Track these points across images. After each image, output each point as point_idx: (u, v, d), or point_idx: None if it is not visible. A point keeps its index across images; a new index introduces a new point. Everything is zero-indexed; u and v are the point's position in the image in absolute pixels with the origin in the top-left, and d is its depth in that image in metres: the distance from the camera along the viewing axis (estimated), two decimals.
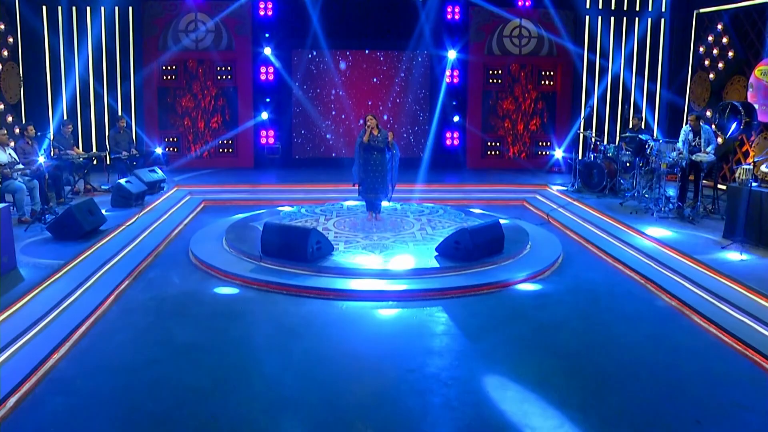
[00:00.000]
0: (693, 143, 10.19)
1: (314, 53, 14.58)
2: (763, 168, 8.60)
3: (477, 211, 11.01)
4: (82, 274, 7.29)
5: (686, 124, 10.80)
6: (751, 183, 8.43)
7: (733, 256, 7.96)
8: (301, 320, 6.58)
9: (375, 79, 14.93)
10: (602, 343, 6.12)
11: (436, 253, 8.14)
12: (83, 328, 6.14)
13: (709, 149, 10.11)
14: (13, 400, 4.78)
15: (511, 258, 8.35)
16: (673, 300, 7.12)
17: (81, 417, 4.64)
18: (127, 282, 7.51)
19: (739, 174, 8.84)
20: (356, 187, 9.90)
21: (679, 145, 10.32)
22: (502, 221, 8.98)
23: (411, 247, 8.51)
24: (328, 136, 14.97)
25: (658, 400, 4.98)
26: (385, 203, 10.06)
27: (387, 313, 6.88)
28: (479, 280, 7.56)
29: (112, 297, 6.99)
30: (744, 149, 12.11)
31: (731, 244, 8.44)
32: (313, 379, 5.27)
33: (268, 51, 14.11)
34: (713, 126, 10.93)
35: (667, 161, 10.16)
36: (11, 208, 8.82)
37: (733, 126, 10.53)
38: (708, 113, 12.32)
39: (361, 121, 9.84)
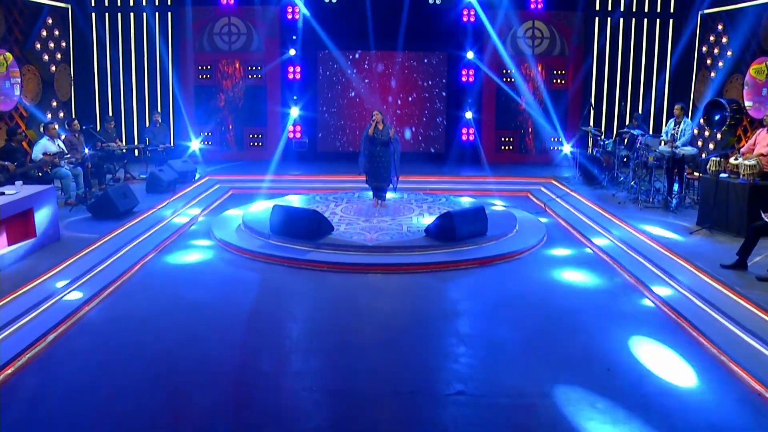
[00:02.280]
0: (672, 131, 10.84)
1: (338, 54, 15.64)
2: (732, 160, 9.24)
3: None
4: (114, 246, 8.51)
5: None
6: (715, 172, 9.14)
7: (695, 240, 8.68)
8: (295, 286, 7.65)
9: (395, 79, 15.88)
10: (553, 309, 6.95)
11: (425, 234, 9.09)
12: (111, 288, 7.32)
13: (683, 139, 10.74)
14: (51, 337, 5.96)
15: (495, 240, 9.22)
16: (631, 278, 7.90)
17: (101, 351, 5.79)
18: (152, 254, 8.69)
19: (710, 166, 9.49)
20: (364, 178, 10.96)
21: (663, 136, 11.00)
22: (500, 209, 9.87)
23: (404, 229, 9.48)
24: (350, 131, 15.99)
25: (581, 354, 5.83)
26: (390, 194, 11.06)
27: (373, 282, 7.86)
28: (458, 257, 8.49)
29: (138, 266, 8.17)
30: (741, 144, 12.61)
31: (699, 230, 9.16)
32: (293, 329, 6.30)
33: (292, 52, 15.22)
34: (702, 120, 11.55)
35: (653, 154, 10.85)
36: (59, 192, 10.18)
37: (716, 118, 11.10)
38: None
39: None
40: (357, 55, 15.72)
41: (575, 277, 8.11)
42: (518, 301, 7.26)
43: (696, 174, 11.46)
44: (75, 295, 6.87)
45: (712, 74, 13.58)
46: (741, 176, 8.90)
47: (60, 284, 7.01)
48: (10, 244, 7.56)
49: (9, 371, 5.26)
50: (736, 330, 6.07)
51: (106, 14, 14.81)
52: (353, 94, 15.94)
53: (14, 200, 7.69)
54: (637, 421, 4.66)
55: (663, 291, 7.22)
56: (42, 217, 8.12)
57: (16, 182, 8.45)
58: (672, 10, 15.00)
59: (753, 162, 8.86)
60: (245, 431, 4.54)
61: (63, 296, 6.80)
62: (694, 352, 5.86)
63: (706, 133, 13.35)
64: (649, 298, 7.23)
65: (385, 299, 7.29)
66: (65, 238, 8.60)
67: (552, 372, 5.47)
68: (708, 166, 9.55)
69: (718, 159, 9.34)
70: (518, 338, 6.19)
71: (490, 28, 15.12)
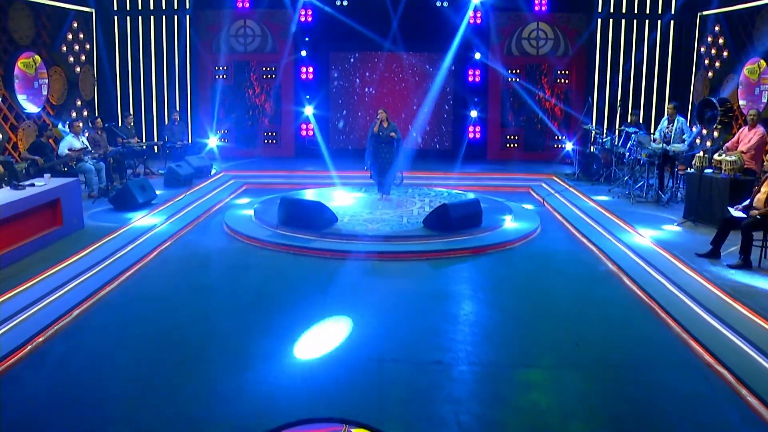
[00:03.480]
0: (666, 131, 11.30)
1: (349, 55, 16.26)
2: (716, 156, 9.68)
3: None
4: (133, 234, 9.20)
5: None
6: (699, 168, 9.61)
7: (678, 232, 9.18)
8: (299, 272, 8.26)
9: (403, 79, 16.46)
10: (535, 293, 7.52)
11: (422, 225, 9.67)
12: (130, 272, 7.99)
13: (684, 137, 11.18)
14: (75, 312, 6.64)
15: (489, 230, 9.77)
16: (613, 266, 8.41)
17: (119, 326, 6.46)
18: (169, 242, 9.35)
19: (695, 161, 9.95)
20: (369, 173, 11.57)
21: (656, 134, 11.48)
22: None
23: (404, 221, 10.06)
24: (360, 129, 16.59)
25: (554, 332, 6.36)
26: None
27: (372, 268, 8.44)
28: (453, 245, 9.06)
29: (155, 252, 8.84)
30: None
31: (685, 222, 9.64)
32: (293, 306, 6.92)
33: (304, 53, 15.87)
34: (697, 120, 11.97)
35: (646, 151, 11.32)
36: (83, 185, 10.91)
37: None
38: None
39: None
40: (367, 56, 16.32)
41: (561, 265, 8.63)
42: (504, 286, 7.82)
43: (689, 170, 11.88)
44: (97, 278, 7.55)
45: (710, 74, 13.98)
46: (723, 171, 9.35)
47: (83, 267, 7.70)
48: (39, 230, 8.29)
49: (39, 340, 5.94)
50: (700, 311, 6.57)
51: (128, 18, 15.57)
52: (363, 93, 16.54)
53: (43, 191, 8.44)
54: (600, 389, 5.23)
55: (640, 278, 7.72)
56: (68, 207, 8.84)
57: (44, 175, 9.17)
58: (672, 12, 15.38)
59: (735, 158, 9.32)
60: (244, 392, 5.13)
61: (86, 278, 7.48)
62: (661, 331, 6.39)
63: (704, 132, 13.73)
64: (626, 284, 7.74)
65: (381, 282, 7.88)
66: (88, 226, 9.32)
67: (525, 346, 6.03)
68: (693, 162, 10.00)
69: (703, 155, 9.79)
70: (498, 317, 6.75)
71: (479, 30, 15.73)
